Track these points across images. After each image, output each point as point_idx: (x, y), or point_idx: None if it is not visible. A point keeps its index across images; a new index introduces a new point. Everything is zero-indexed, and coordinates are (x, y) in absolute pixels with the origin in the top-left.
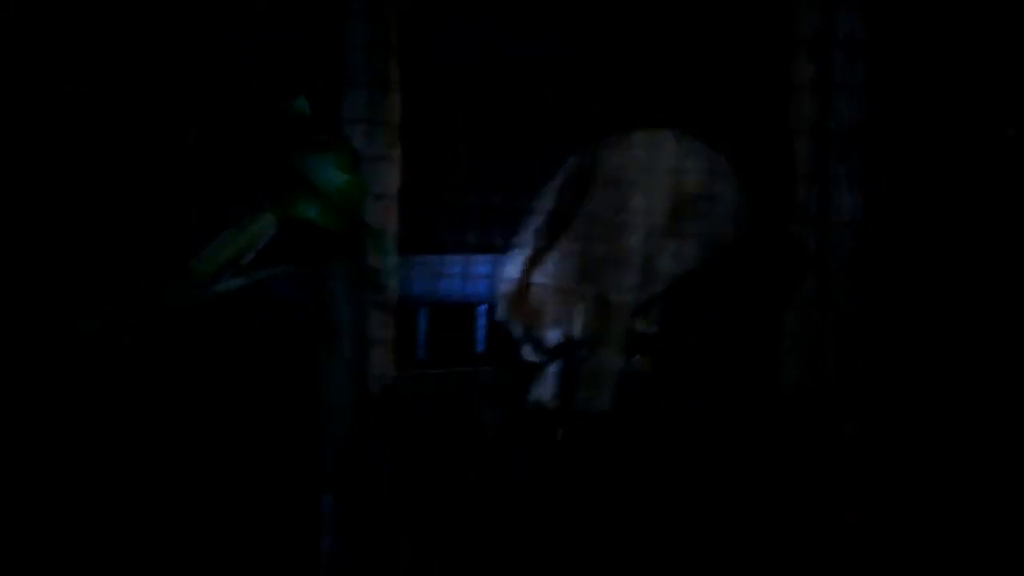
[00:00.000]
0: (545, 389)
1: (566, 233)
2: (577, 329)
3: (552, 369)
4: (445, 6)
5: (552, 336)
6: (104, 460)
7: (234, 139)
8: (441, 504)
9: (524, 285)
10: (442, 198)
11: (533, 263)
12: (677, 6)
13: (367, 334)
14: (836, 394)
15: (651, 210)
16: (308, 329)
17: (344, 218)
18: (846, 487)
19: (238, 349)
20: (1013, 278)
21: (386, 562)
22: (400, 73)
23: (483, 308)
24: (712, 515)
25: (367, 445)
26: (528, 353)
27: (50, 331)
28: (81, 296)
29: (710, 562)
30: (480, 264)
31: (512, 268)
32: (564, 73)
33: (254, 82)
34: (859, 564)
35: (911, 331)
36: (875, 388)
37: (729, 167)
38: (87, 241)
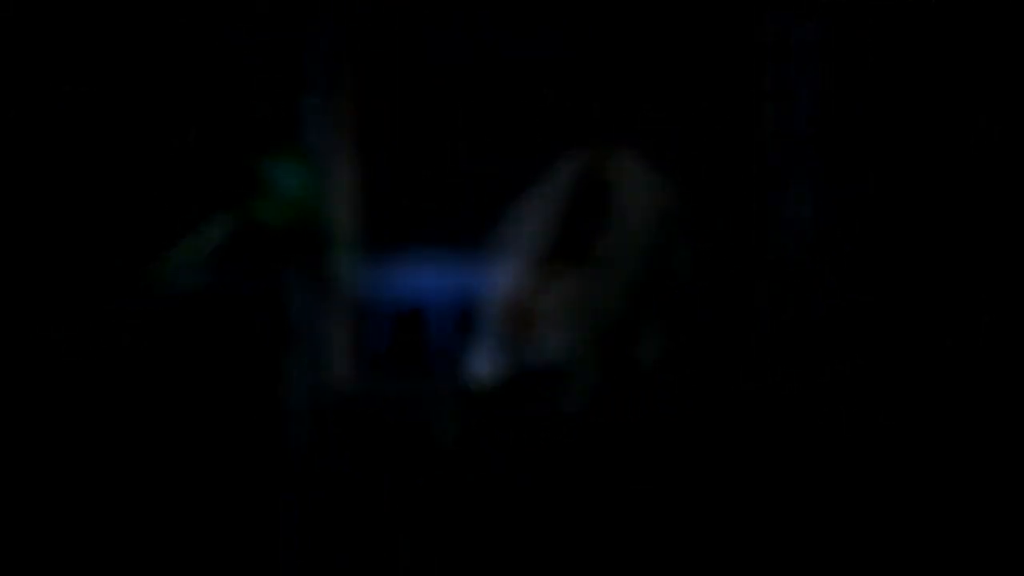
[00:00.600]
0: (482, 363)
1: (586, 258)
2: (568, 346)
3: (487, 343)
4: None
5: (543, 350)
6: (67, 459)
7: (193, 142)
8: (401, 506)
9: (525, 299)
10: (403, 201)
11: (538, 278)
12: (634, 15)
13: (326, 336)
14: (799, 396)
15: (651, 231)
16: (271, 330)
17: (302, 220)
18: (810, 489)
19: (202, 349)
20: (997, 278)
21: (345, 562)
22: (358, 76)
23: (441, 311)
24: (678, 517)
25: (325, 446)
26: (511, 365)
27: (10, 333)
28: (42, 297)
29: (677, 562)
30: (440, 266)
31: (509, 279)
32: (529, 75)
33: (214, 85)
34: (829, 562)
35: (890, 333)
36: (844, 389)
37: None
38: (47, 243)
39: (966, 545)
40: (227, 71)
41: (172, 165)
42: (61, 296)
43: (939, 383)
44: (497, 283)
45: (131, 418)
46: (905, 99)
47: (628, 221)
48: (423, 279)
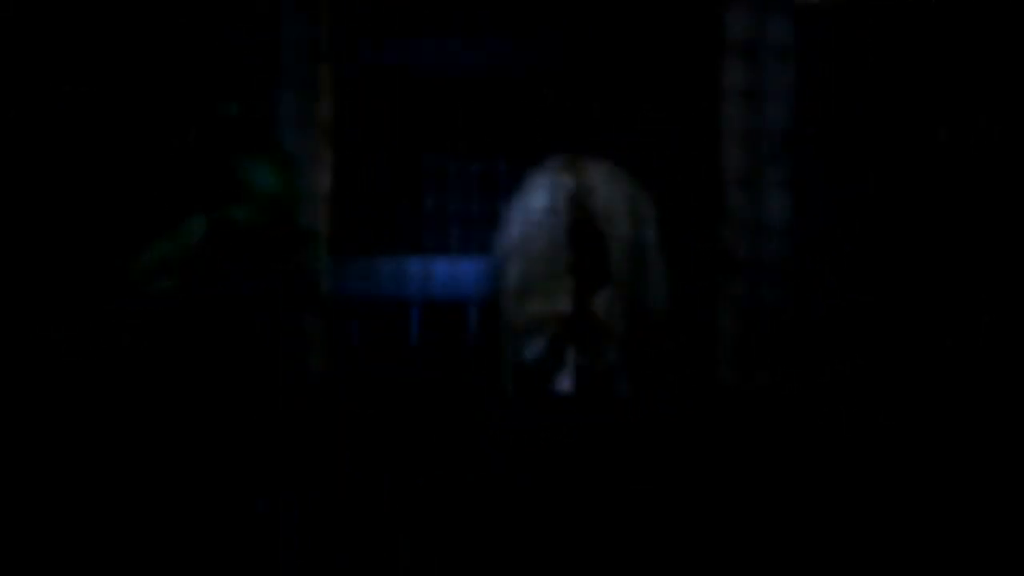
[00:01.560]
0: (568, 381)
1: (611, 278)
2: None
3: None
4: (378, 13)
5: (606, 358)
6: (55, 457)
7: (167, 141)
8: (379, 500)
9: (584, 315)
10: (375, 200)
11: (583, 295)
12: (604, 13)
13: (303, 332)
14: (767, 394)
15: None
16: (250, 328)
17: (275, 220)
18: (780, 486)
19: (181, 348)
20: (996, 277)
21: (323, 560)
22: (333, 76)
23: (415, 307)
24: (677, 517)
25: (303, 443)
26: (564, 381)
27: None
28: (18, 299)
29: (677, 562)
30: (413, 264)
31: (553, 299)
32: (498, 79)
33: (188, 84)
34: (798, 562)
35: (889, 333)
36: (816, 388)
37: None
38: (23, 243)
39: (966, 545)
40: (204, 71)
41: (149, 165)
42: (38, 295)
43: (939, 383)
44: (550, 305)
45: (111, 416)
46: (879, 96)
47: (617, 232)
48: (400, 275)
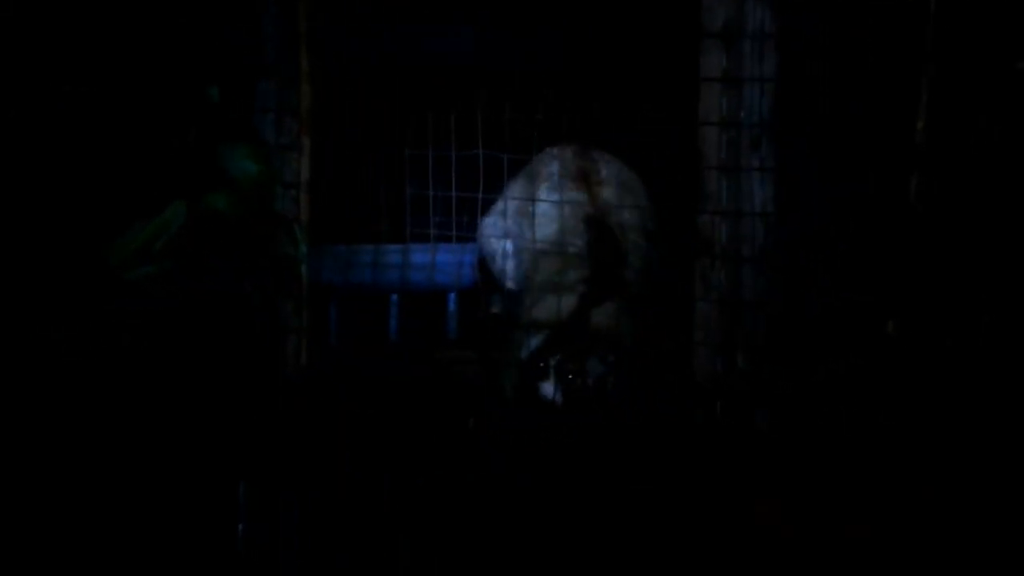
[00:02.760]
0: (550, 388)
1: (619, 287)
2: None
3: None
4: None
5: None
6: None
7: (145, 127)
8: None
9: (580, 324)
10: (354, 188)
11: (590, 303)
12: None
13: (280, 322)
14: (746, 384)
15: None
16: (230, 319)
17: (255, 208)
18: (758, 478)
19: (162, 340)
20: (995, 275)
21: (301, 548)
22: (311, 64)
23: (395, 297)
24: (624, 505)
25: (281, 432)
26: (548, 387)
27: None
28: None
29: (620, 553)
30: (391, 254)
31: (561, 304)
32: (478, 68)
33: (167, 71)
34: (773, 556)
35: (886, 331)
36: (793, 380)
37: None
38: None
39: (965, 545)
40: (184, 57)
41: (127, 150)
42: (19, 284)
43: (937, 382)
44: (560, 313)
45: (90, 401)
46: (863, 87)
47: (631, 242)
48: (379, 264)
